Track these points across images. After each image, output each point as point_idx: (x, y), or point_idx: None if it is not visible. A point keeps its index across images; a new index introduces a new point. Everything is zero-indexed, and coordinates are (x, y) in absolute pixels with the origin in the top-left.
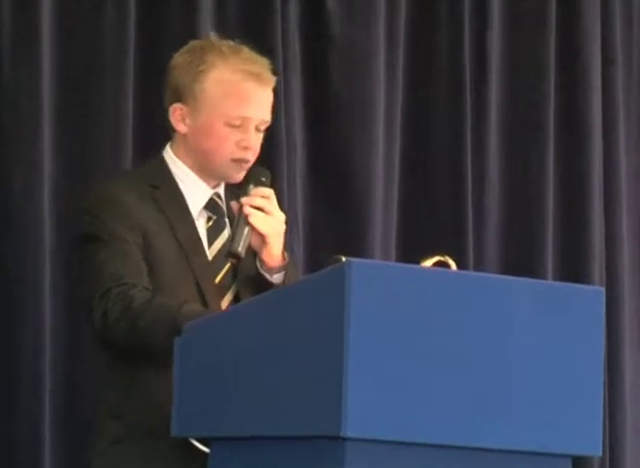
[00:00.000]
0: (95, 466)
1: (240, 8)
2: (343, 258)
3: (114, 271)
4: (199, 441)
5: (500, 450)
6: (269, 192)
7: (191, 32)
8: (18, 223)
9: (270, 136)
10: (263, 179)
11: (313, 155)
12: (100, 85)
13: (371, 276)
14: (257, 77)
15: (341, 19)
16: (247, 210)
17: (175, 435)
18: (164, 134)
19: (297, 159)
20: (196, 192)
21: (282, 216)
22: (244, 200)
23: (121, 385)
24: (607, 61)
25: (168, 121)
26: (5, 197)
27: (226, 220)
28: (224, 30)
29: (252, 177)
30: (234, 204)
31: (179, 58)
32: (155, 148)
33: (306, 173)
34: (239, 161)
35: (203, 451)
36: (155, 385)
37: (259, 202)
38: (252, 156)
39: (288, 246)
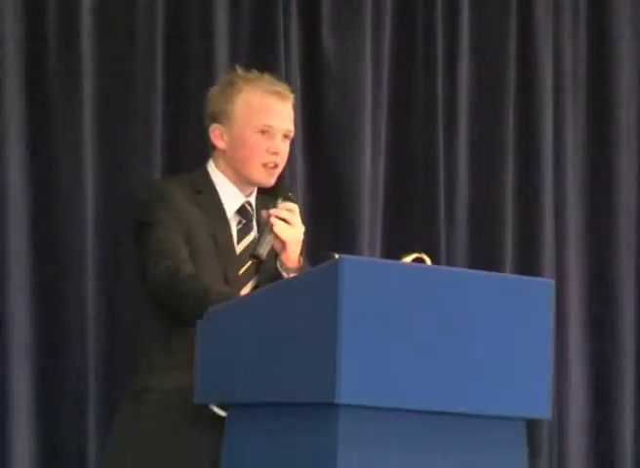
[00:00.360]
0: (121, 408)
1: (249, 50)
2: (337, 255)
3: (166, 247)
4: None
5: (467, 415)
6: (294, 207)
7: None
8: (62, 220)
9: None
10: (290, 195)
11: (311, 167)
12: (132, 87)
13: (360, 270)
14: (277, 94)
15: (335, 52)
16: (272, 220)
17: (197, 401)
18: (189, 132)
19: (297, 169)
20: (232, 199)
21: (302, 228)
22: (271, 211)
23: (159, 346)
24: (558, 82)
25: (208, 140)
26: (51, 196)
27: (254, 224)
28: (236, 62)
29: (281, 193)
30: (264, 212)
31: (213, 90)
32: (180, 147)
33: (305, 181)
34: (269, 165)
35: (215, 415)
36: (188, 350)
37: (284, 214)
38: (280, 160)
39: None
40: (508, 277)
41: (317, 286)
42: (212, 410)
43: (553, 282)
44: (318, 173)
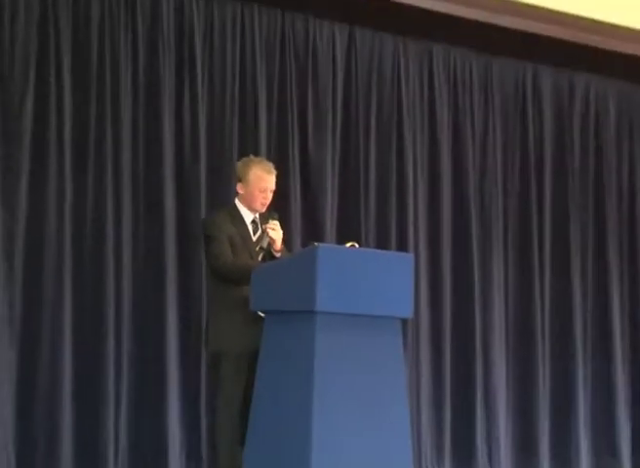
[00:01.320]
0: (209, 326)
1: (275, 151)
2: (316, 243)
3: (221, 250)
4: (261, 312)
5: (369, 316)
6: (277, 222)
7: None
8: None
9: (288, 201)
10: (275, 216)
11: (303, 202)
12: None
13: (328, 252)
14: (269, 171)
15: (313, 154)
16: (267, 229)
17: (251, 309)
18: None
19: (297, 207)
20: (247, 216)
21: (281, 232)
22: (266, 225)
23: (221, 297)
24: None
25: (235, 189)
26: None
27: (260, 227)
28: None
29: (270, 215)
30: (264, 226)
31: (239, 165)
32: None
33: (300, 206)
34: (263, 203)
35: (260, 316)
36: (238, 296)
37: (272, 226)
38: (267, 201)
39: (286, 243)
40: (392, 253)
41: (305, 261)
42: (258, 314)
43: (412, 255)
44: (307, 210)
